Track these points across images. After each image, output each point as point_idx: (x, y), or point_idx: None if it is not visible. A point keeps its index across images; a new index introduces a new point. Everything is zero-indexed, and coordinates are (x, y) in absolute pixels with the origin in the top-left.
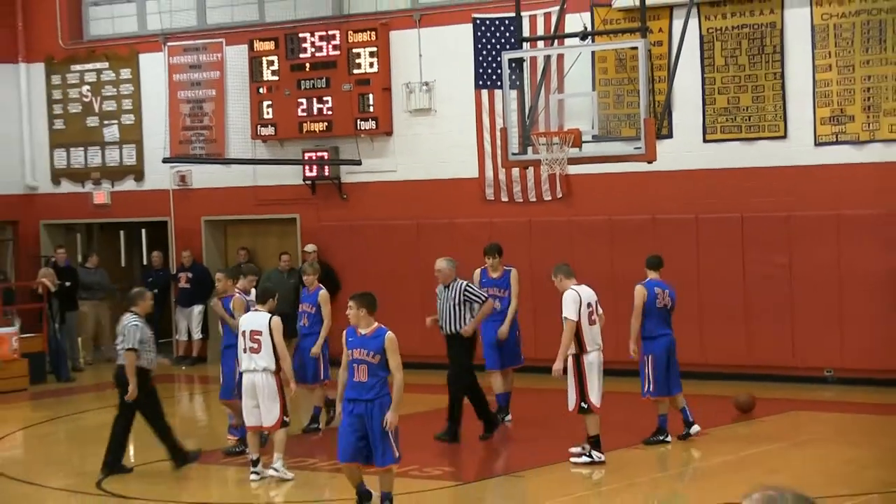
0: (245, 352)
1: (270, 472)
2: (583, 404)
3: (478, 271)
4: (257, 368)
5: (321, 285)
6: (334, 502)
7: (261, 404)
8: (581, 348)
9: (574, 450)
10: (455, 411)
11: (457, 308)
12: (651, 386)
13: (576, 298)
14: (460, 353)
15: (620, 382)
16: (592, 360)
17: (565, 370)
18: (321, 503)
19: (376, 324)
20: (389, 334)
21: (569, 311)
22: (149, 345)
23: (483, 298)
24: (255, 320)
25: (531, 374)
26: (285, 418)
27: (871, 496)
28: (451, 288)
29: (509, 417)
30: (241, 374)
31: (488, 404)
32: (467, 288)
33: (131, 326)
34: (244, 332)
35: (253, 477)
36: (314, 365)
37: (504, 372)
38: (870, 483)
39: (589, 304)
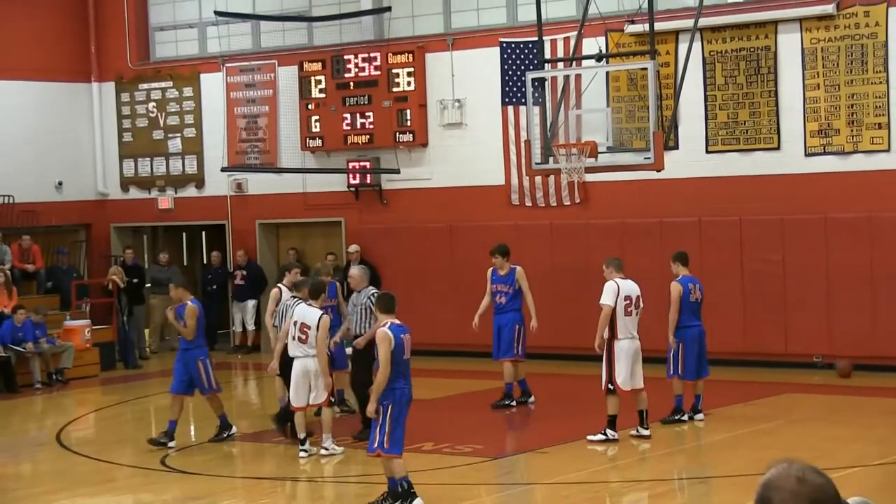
0: (294, 339)
1: (322, 451)
2: (610, 385)
3: (490, 269)
4: (308, 354)
5: (335, 281)
6: (370, 476)
7: (313, 384)
8: (613, 334)
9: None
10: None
11: (364, 312)
12: (681, 369)
13: (614, 288)
14: (364, 356)
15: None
16: (623, 346)
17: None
18: (360, 477)
19: (385, 320)
20: (380, 330)
21: (605, 298)
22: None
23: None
24: (308, 314)
25: (553, 360)
26: (332, 398)
27: (854, 469)
28: (361, 293)
29: (532, 399)
30: (291, 358)
31: None
32: (371, 296)
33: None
34: (295, 322)
35: (301, 454)
36: (339, 353)
37: (513, 362)
38: (852, 457)
39: (627, 297)
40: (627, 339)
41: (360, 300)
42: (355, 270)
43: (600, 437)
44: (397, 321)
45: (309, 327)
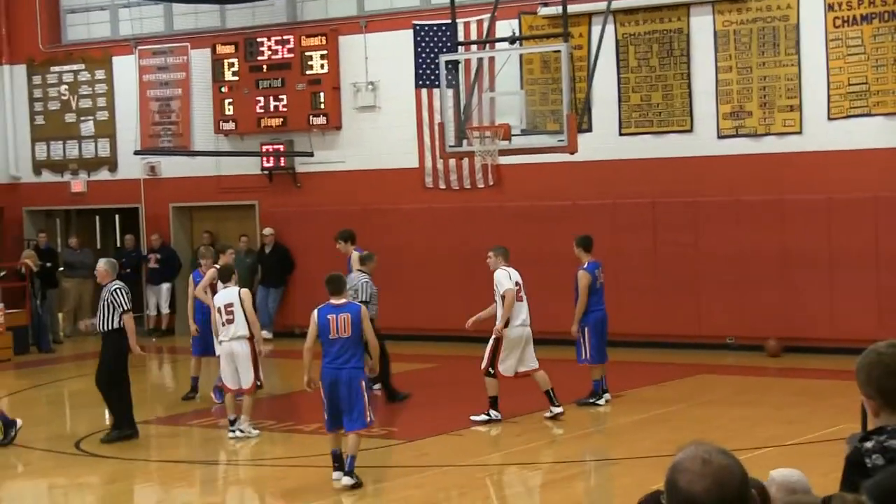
0: (224, 325)
1: (237, 433)
2: (490, 369)
3: None
4: (234, 337)
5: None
6: (287, 459)
7: (238, 368)
8: (506, 322)
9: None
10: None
11: (107, 308)
12: (589, 354)
13: (507, 275)
14: (110, 353)
15: (552, 350)
16: (514, 334)
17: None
18: (276, 459)
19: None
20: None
21: (506, 284)
22: (375, 300)
23: (122, 308)
24: (227, 295)
25: (466, 343)
26: (258, 382)
27: (766, 450)
28: (105, 288)
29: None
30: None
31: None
32: (114, 291)
33: (363, 282)
34: (219, 308)
35: (230, 435)
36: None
37: None
38: (763, 438)
39: (517, 283)
40: (519, 327)
41: (103, 295)
42: (101, 265)
43: (483, 417)
44: (339, 301)
45: (232, 305)
